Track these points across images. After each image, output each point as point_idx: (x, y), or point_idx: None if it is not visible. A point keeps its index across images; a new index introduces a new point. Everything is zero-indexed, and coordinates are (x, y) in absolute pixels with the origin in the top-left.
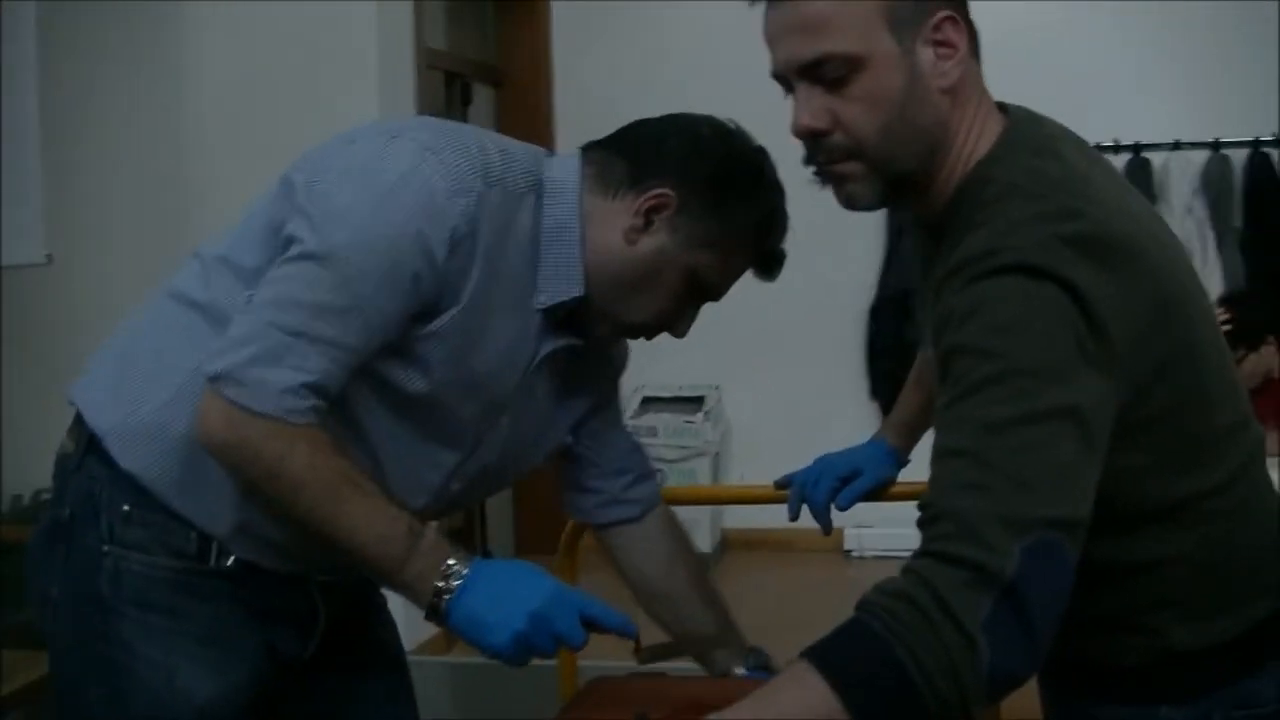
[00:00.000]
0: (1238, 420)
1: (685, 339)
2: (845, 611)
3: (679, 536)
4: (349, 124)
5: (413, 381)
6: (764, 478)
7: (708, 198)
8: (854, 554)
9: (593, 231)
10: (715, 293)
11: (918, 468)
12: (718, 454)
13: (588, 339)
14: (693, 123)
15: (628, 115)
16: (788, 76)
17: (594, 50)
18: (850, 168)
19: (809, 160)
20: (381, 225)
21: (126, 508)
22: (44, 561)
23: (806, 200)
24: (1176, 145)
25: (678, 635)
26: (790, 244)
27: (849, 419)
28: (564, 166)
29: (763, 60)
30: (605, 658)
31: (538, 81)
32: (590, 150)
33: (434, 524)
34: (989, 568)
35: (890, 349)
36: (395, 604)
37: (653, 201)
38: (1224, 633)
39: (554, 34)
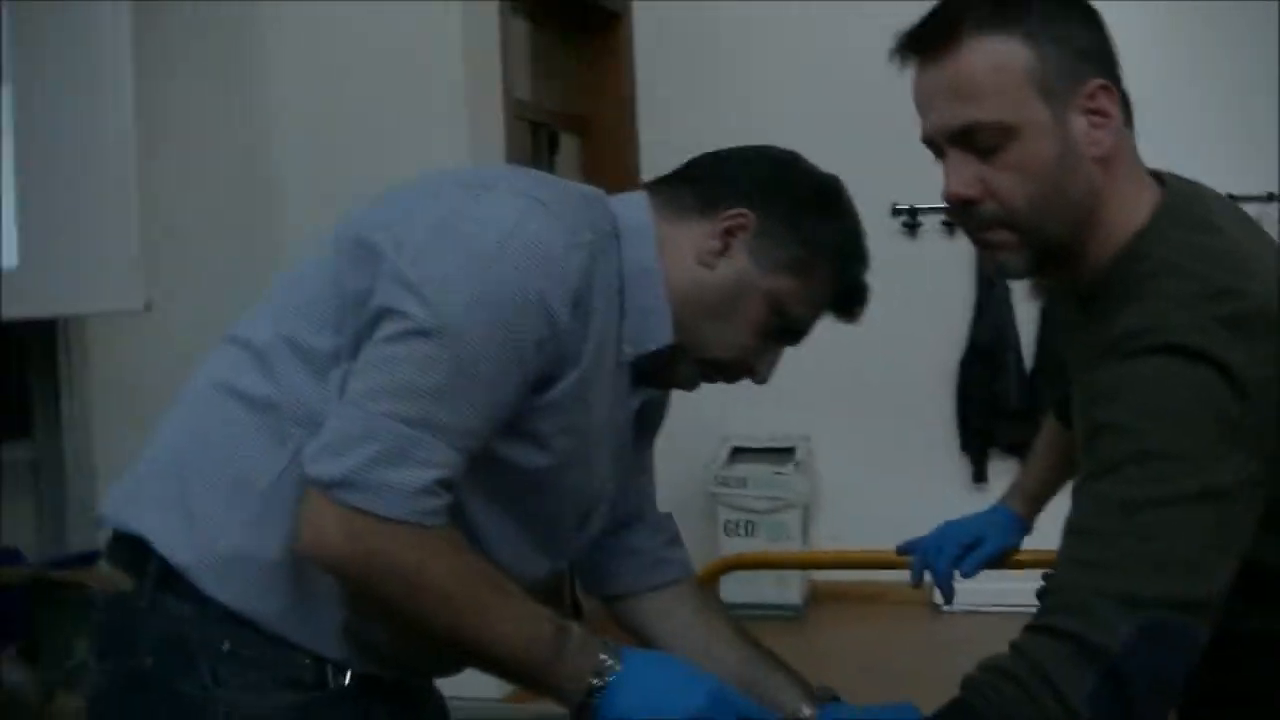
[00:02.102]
0: None
1: (776, 389)
2: (933, 665)
3: (717, 605)
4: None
5: (531, 457)
6: (853, 530)
7: (787, 218)
8: (943, 608)
9: (668, 264)
10: (798, 327)
11: (1041, 536)
12: (808, 506)
13: (668, 387)
14: (761, 149)
15: None
16: (938, 142)
17: (679, 98)
18: (1001, 237)
19: (959, 226)
20: (497, 289)
21: (227, 646)
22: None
23: (896, 252)
24: (1271, 198)
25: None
26: (881, 296)
27: (939, 472)
28: (633, 206)
29: (851, 112)
30: None
31: (622, 130)
32: (655, 186)
33: (579, 621)
34: (1091, 641)
35: (982, 402)
36: None
37: (729, 222)
38: None
39: (638, 82)
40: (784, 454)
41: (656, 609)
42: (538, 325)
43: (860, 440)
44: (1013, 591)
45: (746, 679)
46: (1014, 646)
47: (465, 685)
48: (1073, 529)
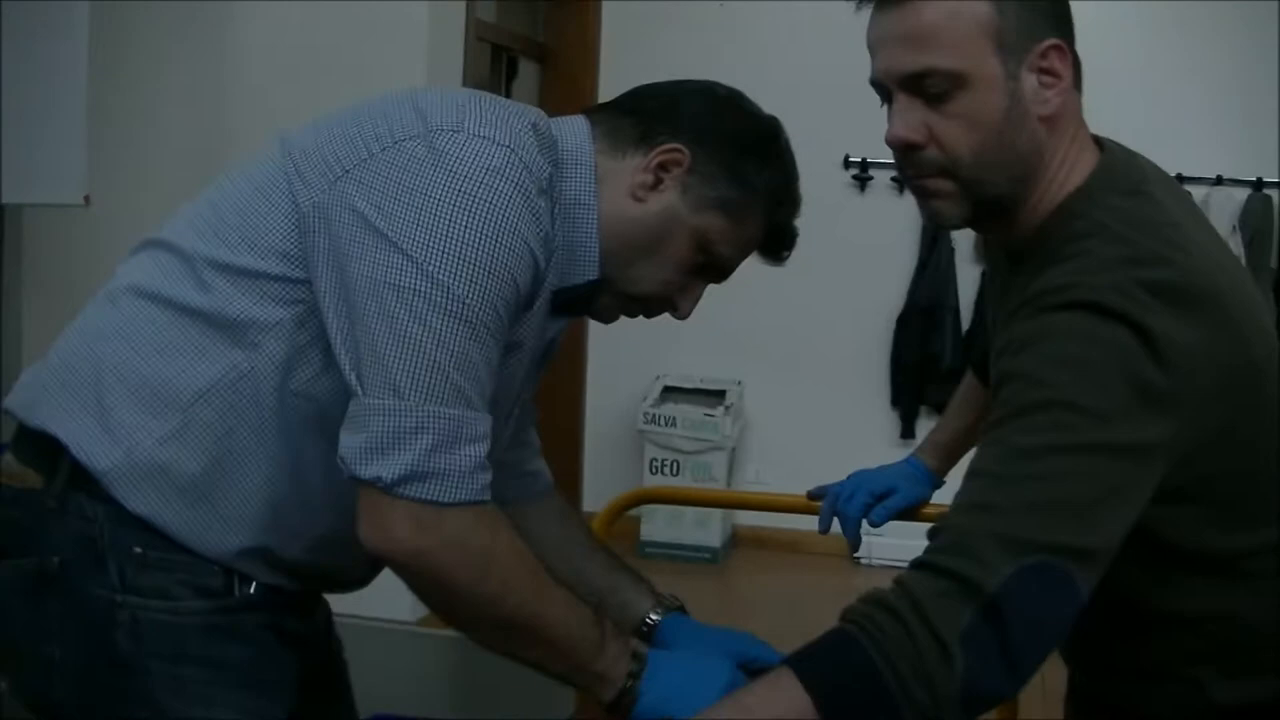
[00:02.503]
0: None
1: (712, 332)
2: None
3: (577, 516)
4: (391, 89)
5: None
6: (778, 477)
7: (722, 157)
8: (863, 561)
9: (602, 196)
10: (722, 265)
11: (952, 490)
12: (734, 449)
13: (585, 315)
14: (704, 85)
15: None
16: (887, 85)
17: (643, 37)
18: (940, 185)
19: (899, 171)
20: (492, 248)
21: (139, 549)
22: (30, 620)
23: (841, 208)
24: (1219, 180)
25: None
26: (825, 247)
27: (869, 425)
28: (573, 132)
29: (811, 62)
30: None
31: (585, 62)
32: (596, 113)
33: (603, 614)
34: (971, 580)
35: (915, 360)
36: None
37: (663, 157)
38: (1264, 694)
39: (604, 16)
40: (715, 396)
41: (528, 524)
42: (527, 274)
43: (792, 388)
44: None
45: (607, 585)
46: (896, 581)
47: (380, 607)
48: (972, 472)
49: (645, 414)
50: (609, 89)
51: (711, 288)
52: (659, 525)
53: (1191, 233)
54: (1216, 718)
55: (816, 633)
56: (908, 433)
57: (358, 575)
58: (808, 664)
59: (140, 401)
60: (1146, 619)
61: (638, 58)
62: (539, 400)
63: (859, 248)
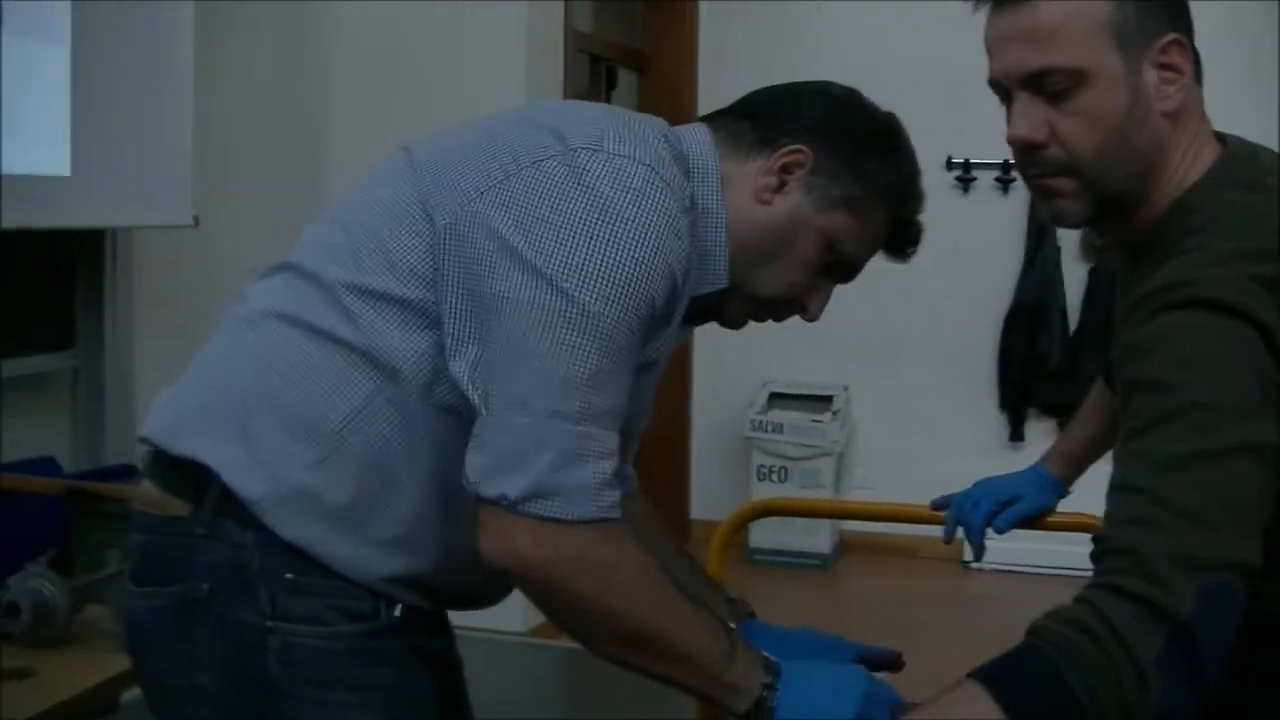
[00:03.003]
0: None
1: (819, 337)
2: (962, 621)
3: (660, 521)
4: (492, 102)
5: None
6: (885, 482)
7: (844, 155)
8: (972, 566)
9: (728, 202)
10: (850, 264)
11: (1077, 500)
12: (842, 455)
13: (717, 323)
14: (821, 85)
15: None
16: (1006, 85)
17: (740, 42)
18: (1062, 184)
19: (1020, 171)
20: (632, 267)
21: (290, 575)
22: (176, 648)
23: (948, 206)
24: None
25: None
26: (930, 250)
27: (977, 428)
28: (697, 140)
29: (910, 61)
30: None
31: (682, 69)
32: (715, 119)
33: (732, 629)
34: (1162, 605)
35: (1023, 361)
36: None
37: (787, 158)
38: None
39: (701, 23)
40: (822, 402)
41: None
42: (666, 293)
43: (899, 392)
44: (1043, 553)
45: (691, 592)
46: (1086, 601)
47: (491, 618)
48: (1121, 486)
49: (752, 420)
50: (708, 94)
51: None
52: (768, 533)
53: None
54: None
55: (930, 635)
56: (1016, 435)
57: (492, 591)
58: (1001, 680)
59: (287, 428)
60: (1274, 623)
61: (736, 62)
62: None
63: (964, 249)
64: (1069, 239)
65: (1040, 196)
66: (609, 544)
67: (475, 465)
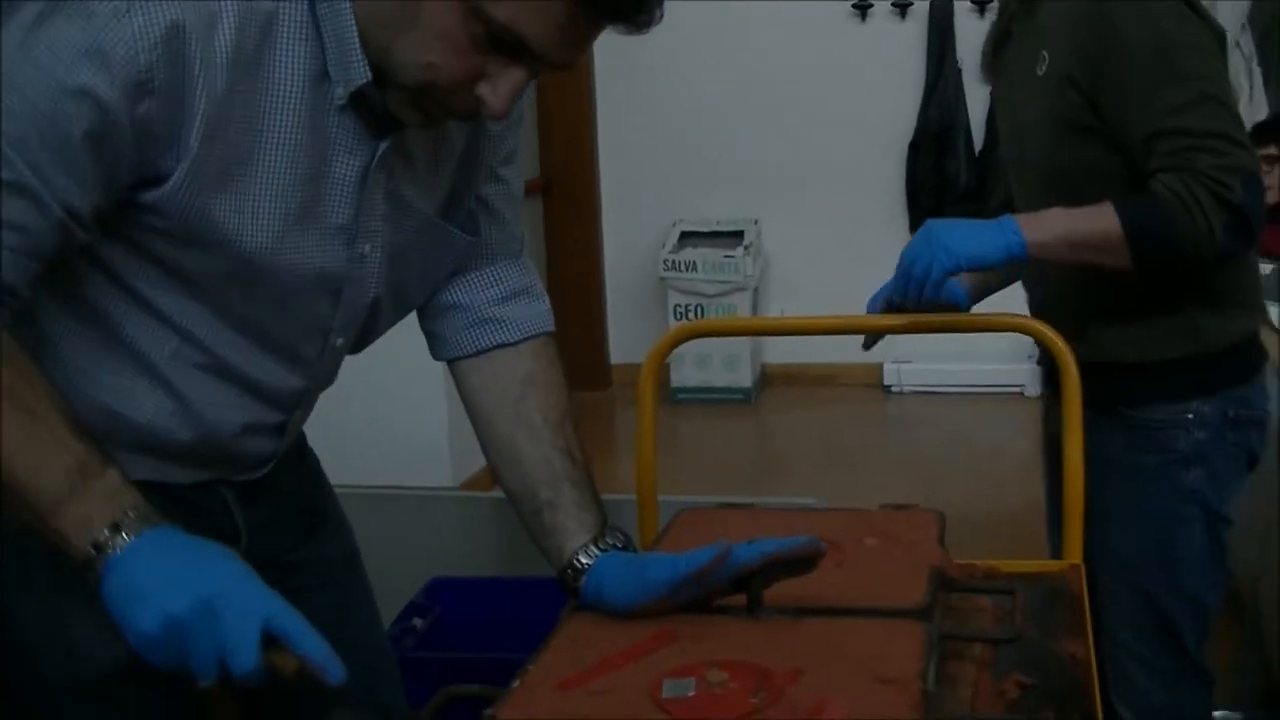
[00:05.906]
0: None
1: (725, 173)
2: (885, 443)
3: (549, 393)
4: None
5: (195, 259)
6: (804, 310)
7: None
8: (893, 389)
9: None
10: (515, 38)
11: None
12: (757, 288)
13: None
14: None
15: None
16: None
17: None
18: None
19: None
20: (32, 81)
21: None
22: None
23: (845, 37)
24: None
25: (514, 493)
26: (831, 79)
27: (890, 253)
28: None
29: None
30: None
31: None
32: None
33: (118, 469)
34: (1224, 189)
35: (932, 183)
36: (442, 439)
37: None
38: (1240, 332)
39: None
40: (733, 237)
41: (477, 379)
42: (83, 119)
43: (810, 223)
44: (962, 373)
45: (546, 498)
46: (1177, 176)
47: (420, 475)
48: (1161, 132)
49: (665, 261)
50: None
51: (719, 126)
52: (689, 371)
53: None
54: (1206, 359)
55: (853, 458)
56: None
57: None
58: (1125, 205)
59: None
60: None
61: None
62: (558, 256)
63: (865, 77)
64: (969, 61)
65: None
66: None
67: None
